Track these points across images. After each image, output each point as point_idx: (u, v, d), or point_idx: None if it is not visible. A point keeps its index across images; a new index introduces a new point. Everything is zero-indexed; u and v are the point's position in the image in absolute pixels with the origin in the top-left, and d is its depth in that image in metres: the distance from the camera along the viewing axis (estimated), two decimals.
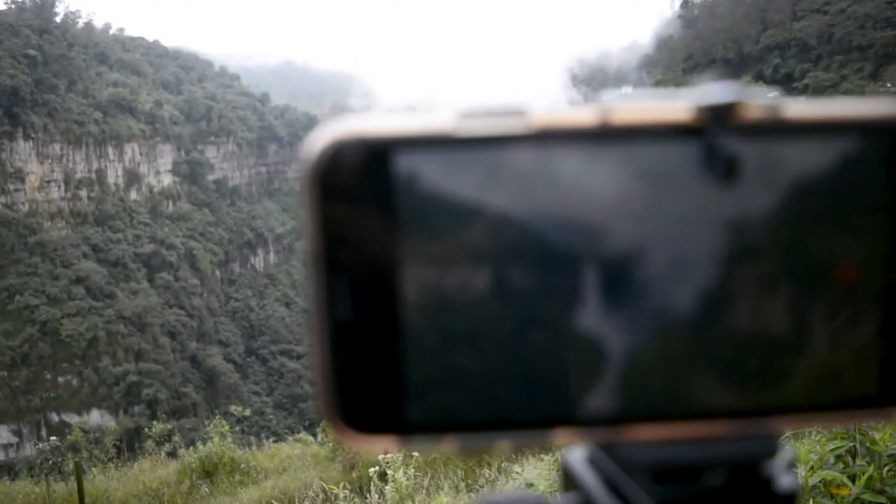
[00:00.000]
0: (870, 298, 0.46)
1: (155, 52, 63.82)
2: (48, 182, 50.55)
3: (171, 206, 54.26)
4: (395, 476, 5.23)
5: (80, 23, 58.07)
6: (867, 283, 0.45)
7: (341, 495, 5.47)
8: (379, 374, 0.43)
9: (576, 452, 0.52)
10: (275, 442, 11.07)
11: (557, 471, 0.55)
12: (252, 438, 12.46)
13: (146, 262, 48.99)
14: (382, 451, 0.45)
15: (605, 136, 0.43)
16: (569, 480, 0.52)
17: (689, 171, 0.43)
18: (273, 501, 6.98)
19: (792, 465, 0.49)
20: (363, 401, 0.43)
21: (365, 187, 0.42)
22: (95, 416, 38.98)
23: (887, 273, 0.45)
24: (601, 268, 0.43)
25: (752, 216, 0.44)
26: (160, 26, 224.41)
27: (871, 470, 2.36)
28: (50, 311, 42.78)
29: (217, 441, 8.71)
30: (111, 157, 53.52)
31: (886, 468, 2.44)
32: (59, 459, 9.89)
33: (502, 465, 5.91)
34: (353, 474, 6.95)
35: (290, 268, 60.18)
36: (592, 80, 76.90)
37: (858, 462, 2.48)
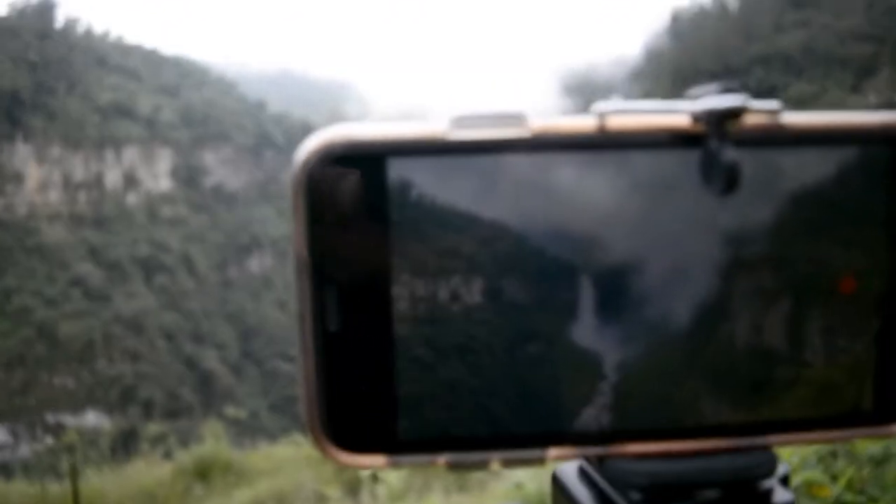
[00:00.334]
0: (867, 311, 0.45)
1: (153, 59, 63.86)
2: (47, 185, 50.54)
3: (168, 210, 54.24)
4: (387, 477, 5.27)
5: (80, 29, 58.12)
6: (865, 296, 0.45)
7: (333, 496, 5.52)
8: (368, 388, 0.42)
9: (568, 466, 0.51)
10: (269, 443, 11.12)
11: (547, 471, 0.53)
12: (247, 440, 12.49)
13: (143, 265, 48.97)
14: (370, 468, 0.44)
15: (603, 143, 0.42)
16: (560, 495, 0.51)
17: (688, 180, 0.42)
18: (267, 502, 7.01)
19: (787, 481, 0.48)
20: (351, 416, 0.42)
21: (356, 194, 0.40)
22: (91, 417, 38.89)
23: (885, 285, 0.45)
24: (597, 279, 0.42)
25: (749, 226, 0.43)
26: (158, 34, 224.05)
27: (851, 471, 2.38)
28: (47, 312, 42.75)
29: (212, 442, 8.75)
30: (110, 160, 53.51)
31: (866, 469, 2.47)
32: (55, 460, 9.91)
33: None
34: (346, 475, 6.98)
35: (286, 272, 58.52)
36: (583, 90, 77.19)
37: (839, 463, 2.51)
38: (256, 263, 55.61)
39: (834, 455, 2.50)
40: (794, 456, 2.48)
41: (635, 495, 0.45)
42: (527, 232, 0.42)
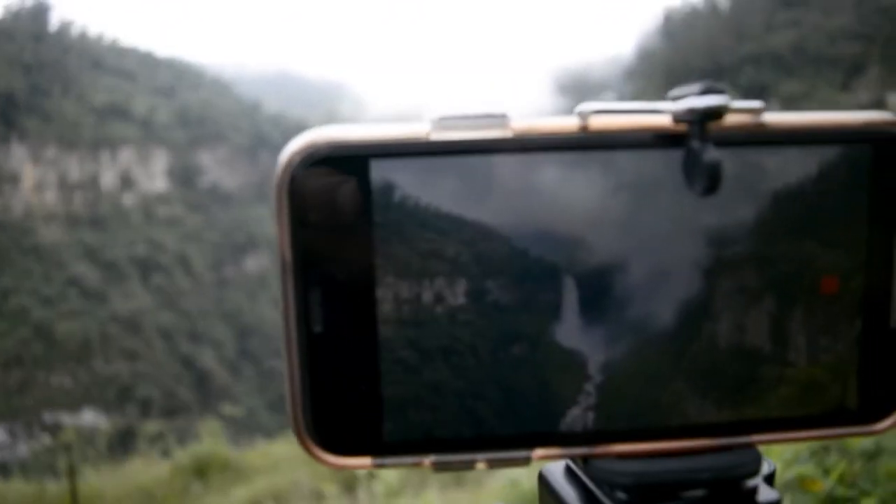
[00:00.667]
0: (850, 310, 0.45)
1: (149, 61, 63.76)
2: (42, 185, 50.45)
3: (164, 210, 54.17)
4: (384, 474, 5.29)
5: (75, 31, 58.01)
6: (848, 295, 0.44)
7: (330, 493, 5.54)
8: (353, 390, 0.42)
9: (554, 465, 0.51)
10: (266, 441, 11.12)
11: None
12: (244, 438, 12.50)
13: (140, 265, 48.90)
14: (356, 469, 0.44)
15: (585, 143, 0.42)
16: (546, 494, 0.51)
17: (670, 180, 0.42)
18: (264, 499, 7.03)
19: (772, 480, 0.48)
20: (337, 418, 0.42)
21: (339, 196, 0.40)
22: (88, 416, 38.80)
23: (867, 284, 0.44)
24: (581, 280, 0.42)
25: (732, 226, 0.43)
26: (154, 36, 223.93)
27: (843, 465, 2.40)
28: (44, 312, 42.67)
29: (209, 441, 8.76)
30: (105, 161, 53.42)
31: (858, 463, 2.49)
32: (52, 459, 9.90)
33: None
34: (343, 473, 6.99)
35: None
36: (577, 89, 77.26)
37: (832, 457, 2.53)
38: (252, 263, 55.50)
39: (826, 449, 2.53)
40: (786, 451, 2.50)
41: (621, 495, 0.45)
42: (510, 233, 0.41)
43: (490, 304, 0.42)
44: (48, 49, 52.77)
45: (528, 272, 0.42)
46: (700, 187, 0.40)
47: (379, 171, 0.40)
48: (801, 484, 2.36)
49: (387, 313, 0.41)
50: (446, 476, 6.21)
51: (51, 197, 50.43)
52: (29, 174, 49.61)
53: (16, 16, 54.45)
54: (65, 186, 51.12)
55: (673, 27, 45.48)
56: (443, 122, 0.41)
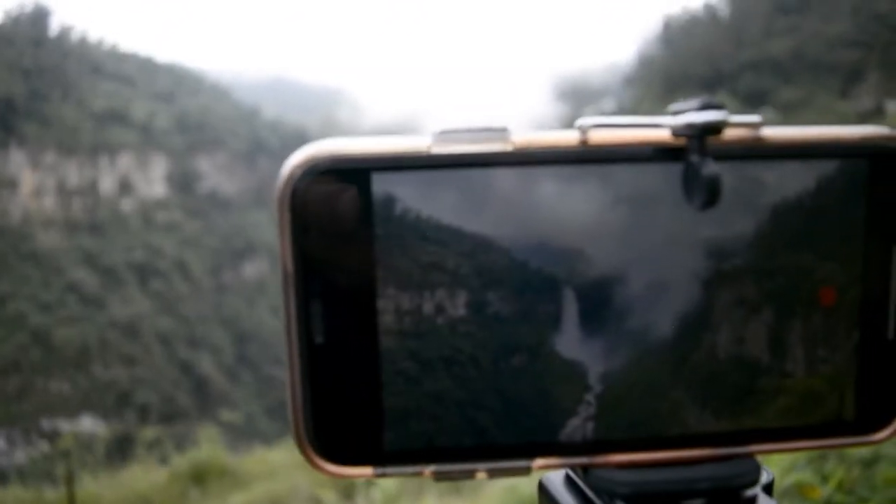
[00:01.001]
0: (848, 321, 0.45)
1: (148, 66, 63.83)
2: (41, 191, 50.46)
3: (163, 216, 54.18)
4: (382, 481, 5.29)
5: (75, 37, 58.07)
6: (845, 306, 0.45)
7: (329, 500, 5.53)
8: (355, 400, 0.42)
9: (554, 473, 0.51)
10: (265, 447, 11.11)
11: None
12: (242, 444, 12.49)
13: (138, 271, 48.89)
14: (357, 479, 0.44)
15: (585, 157, 0.42)
16: (546, 502, 0.51)
17: (669, 194, 0.42)
18: None
19: (771, 489, 0.48)
20: (338, 428, 0.42)
21: (341, 208, 0.40)
22: (87, 422, 38.79)
23: (865, 296, 0.45)
24: (580, 292, 0.43)
25: (731, 239, 0.43)
26: (153, 42, 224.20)
27: (841, 472, 2.40)
28: (42, 318, 42.65)
29: (208, 447, 8.76)
30: (104, 166, 53.45)
31: (856, 470, 2.49)
32: (51, 465, 9.89)
33: None
34: (341, 480, 6.97)
35: (280, 278, 58.64)
36: (576, 96, 77.46)
37: (830, 465, 2.53)
38: (251, 268, 55.51)
39: (824, 457, 2.52)
40: (784, 458, 2.50)
41: None
42: (511, 245, 0.42)
43: (490, 315, 0.42)
44: (48, 54, 52.84)
45: (528, 284, 0.42)
46: (699, 201, 0.40)
47: (380, 184, 0.40)
48: (799, 491, 2.36)
49: (388, 324, 0.41)
50: (444, 484, 6.15)
51: (49, 202, 50.45)
52: (28, 179, 49.63)
53: (16, 21, 54.53)
54: (63, 192, 51.15)
55: (672, 34, 45.58)
56: (443, 135, 0.41)
